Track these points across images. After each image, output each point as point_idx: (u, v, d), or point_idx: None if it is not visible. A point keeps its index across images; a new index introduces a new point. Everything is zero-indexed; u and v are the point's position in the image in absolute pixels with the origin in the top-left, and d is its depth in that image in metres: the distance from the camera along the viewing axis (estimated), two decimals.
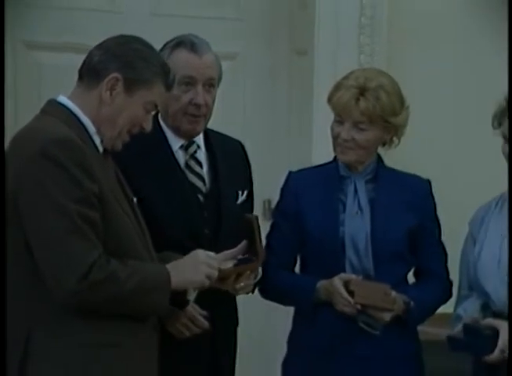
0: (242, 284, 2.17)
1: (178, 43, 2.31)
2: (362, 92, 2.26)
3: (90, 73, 1.97)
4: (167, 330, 2.16)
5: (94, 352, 1.89)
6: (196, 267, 2.01)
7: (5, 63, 2.81)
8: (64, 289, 1.83)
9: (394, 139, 2.38)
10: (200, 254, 2.03)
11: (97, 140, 1.98)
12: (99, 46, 1.99)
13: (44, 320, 1.89)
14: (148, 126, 2.03)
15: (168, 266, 1.98)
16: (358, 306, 2.20)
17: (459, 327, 2.23)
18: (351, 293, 2.20)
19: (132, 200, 2.06)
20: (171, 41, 2.32)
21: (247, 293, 2.29)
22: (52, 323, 1.88)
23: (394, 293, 2.21)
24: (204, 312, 2.20)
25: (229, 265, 2.09)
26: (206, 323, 2.21)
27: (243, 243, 2.14)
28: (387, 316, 2.22)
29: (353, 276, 2.24)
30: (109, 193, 1.92)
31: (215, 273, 2.02)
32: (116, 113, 1.97)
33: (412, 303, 2.26)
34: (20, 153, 1.88)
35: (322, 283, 2.27)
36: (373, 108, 2.27)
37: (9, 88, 2.87)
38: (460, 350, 2.26)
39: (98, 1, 2.90)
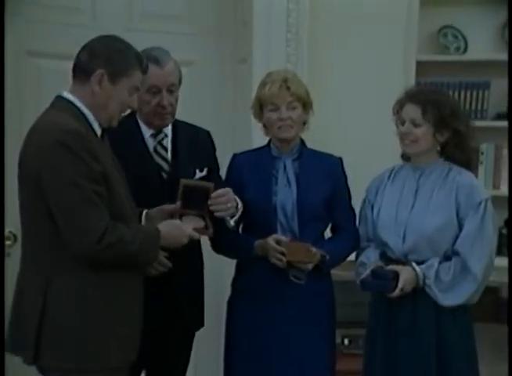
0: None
1: (145, 58, 2.28)
2: (285, 81, 2.36)
3: (80, 71, 2.01)
4: None
5: (100, 290, 1.95)
6: (179, 230, 2.09)
7: (9, 68, 2.83)
8: (85, 248, 1.89)
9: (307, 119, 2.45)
10: (175, 221, 2.11)
11: (95, 126, 2.03)
12: (84, 47, 2.02)
13: (60, 269, 1.94)
14: (134, 105, 2.07)
15: (160, 228, 2.04)
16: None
17: (367, 272, 2.31)
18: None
19: (122, 176, 2.09)
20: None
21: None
22: (67, 271, 1.94)
23: (314, 249, 2.31)
24: (166, 253, 2.21)
25: (191, 226, 2.12)
26: (169, 263, 2.25)
27: (178, 203, 2.16)
28: (309, 266, 2.33)
29: (283, 238, 2.32)
30: (109, 172, 1.97)
31: (191, 234, 2.10)
32: (106, 100, 2.00)
33: (327, 256, 2.34)
34: (37, 142, 1.92)
35: (258, 242, 2.36)
36: (299, 90, 2.38)
37: (13, 92, 2.88)
38: (369, 290, 2.37)
39: (84, 19, 2.97)
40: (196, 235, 2.13)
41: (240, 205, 2.35)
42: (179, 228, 2.09)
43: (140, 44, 2.32)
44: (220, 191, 2.24)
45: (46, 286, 1.93)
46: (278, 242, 2.31)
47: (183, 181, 2.15)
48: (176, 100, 2.41)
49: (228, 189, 2.28)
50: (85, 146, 1.90)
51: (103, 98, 2.01)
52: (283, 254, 2.29)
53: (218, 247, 2.50)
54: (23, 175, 1.97)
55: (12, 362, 2.13)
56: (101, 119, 2.04)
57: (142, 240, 1.97)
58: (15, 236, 2.87)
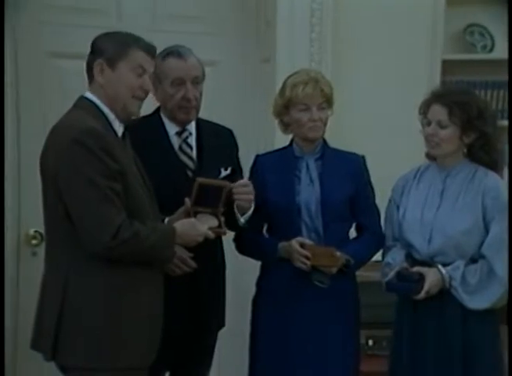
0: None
1: (167, 53, 2.39)
2: (317, 81, 2.38)
3: (88, 70, 2.05)
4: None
5: (117, 289, 1.96)
6: (195, 229, 2.09)
7: (32, 70, 2.92)
8: (100, 245, 1.90)
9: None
10: (190, 220, 2.11)
11: (115, 125, 2.04)
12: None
13: (78, 267, 1.96)
14: (148, 86, 2.06)
15: (176, 226, 2.05)
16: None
17: (393, 274, 2.30)
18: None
19: (144, 176, 2.11)
20: (161, 52, 2.38)
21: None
22: (84, 269, 1.95)
23: (338, 253, 2.30)
24: (191, 254, 2.24)
25: (206, 225, 2.13)
26: (194, 264, 2.27)
27: (186, 200, 2.15)
28: (334, 270, 2.32)
29: (307, 241, 2.32)
30: (127, 170, 1.98)
31: (206, 233, 2.10)
32: (114, 88, 2.01)
33: (352, 261, 2.34)
34: (57, 141, 1.95)
35: (282, 244, 2.36)
36: (330, 91, 2.41)
37: (36, 93, 2.95)
38: (395, 292, 2.35)
39: (108, 20, 2.98)
40: (211, 234, 2.13)
41: (253, 205, 2.35)
42: (194, 227, 2.09)
43: (164, 45, 2.40)
44: (243, 181, 2.27)
45: (64, 284, 1.95)
46: (302, 245, 2.31)
47: (199, 179, 2.15)
48: (200, 95, 2.42)
49: (249, 182, 2.30)
50: (102, 144, 1.91)
51: (110, 87, 2.01)
52: (307, 258, 2.29)
53: (242, 248, 2.51)
54: (44, 175, 1.99)
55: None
56: (118, 112, 2.04)
57: (157, 237, 1.98)
58: (41, 236, 2.91)
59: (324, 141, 2.48)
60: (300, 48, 3.04)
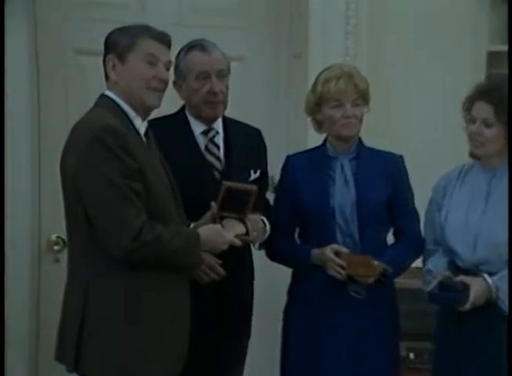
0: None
1: (190, 47, 2.42)
2: (351, 76, 2.38)
3: (103, 67, 2.09)
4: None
5: (138, 293, 1.96)
6: (220, 235, 2.10)
7: (54, 67, 2.99)
8: (120, 247, 1.90)
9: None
10: (216, 226, 2.12)
11: (137, 123, 2.06)
12: None
13: (98, 271, 1.97)
14: (163, 75, 2.06)
15: (200, 232, 2.06)
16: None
17: (435, 284, 2.27)
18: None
19: (171, 178, 2.12)
20: (184, 46, 2.43)
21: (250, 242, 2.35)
22: (104, 272, 1.96)
23: (375, 262, 2.29)
24: (220, 261, 2.25)
25: (232, 232, 2.13)
26: (222, 271, 2.28)
27: (212, 204, 2.15)
28: (370, 280, 2.31)
29: (342, 249, 2.32)
30: (148, 169, 1.98)
31: (232, 241, 2.12)
32: (126, 81, 2.03)
33: (390, 270, 2.32)
34: (77, 140, 1.97)
35: (316, 252, 2.36)
36: (365, 86, 2.40)
37: (59, 88, 3.01)
38: (437, 303, 2.33)
39: (131, 15, 2.98)
40: (237, 242, 2.13)
41: (268, 227, 2.37)
42: (220, 233, 2.09)
43: (190, 40, 2.45)
44: (257, 217, 2.27)
45: (85, 289, 1.96)
46: (337, 253, 2.31)
47: (227, 183, 2.15)
48: (227, 89, 2.43)
49: (262, 217, 2.32)
50: (121, 143, 1.92)
51: (124, 81, 2.03)
52: (342, 267, 2.29)
53: (272, 255, 2.52)
54: (64, 176, 2.01)
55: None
56: (137, 107, 2.05)
57: (181, 242, 1.98)
58: (64, 242, 2.97)
59: (359, 140, 2.47)
60: (334, 42, 3.02)
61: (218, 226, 2.11)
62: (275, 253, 2.50)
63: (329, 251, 2.31)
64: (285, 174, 2.51)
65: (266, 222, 2.39)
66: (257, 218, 2.31)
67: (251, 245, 2.44)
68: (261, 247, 2.47)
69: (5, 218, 2.65)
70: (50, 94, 3.01)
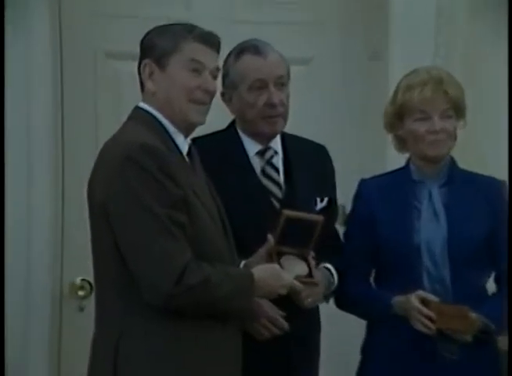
0: (309, 300, 2.26)
1: (241, 50, 2.41)
2: (441, 82, 2.35)
3: (139, 76, 2.10)
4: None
5: (176, 346, 1.95)
6: (278, 277, 2.08)
7: (86, 70, 3.04)
8: (159, 292, 1.90)
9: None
10: (273, 266, 2.11)
11: (179, 140, 2.06)
12: None
13: (133, 318, 1.95)
14: (210, 85, 2.07)
15: (254, 273, 2.04)
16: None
17: None
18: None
19: (220, 208, 2.12)
20: (234, 48, 2.43)
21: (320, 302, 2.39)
22: (140, 323, 1.95)
23: (473, 315, 2.26)
24: (283, 313, 2.25)
25: (293, 273, 2.15)
26: (286, 324, 2.26)
27: (269, 237, 2.17)
28: (467, 338, 2.27)
29: (432, 297, 2.28)
30: (193, 197, 1.99)
31: (292, 284, 2.11)
32: (166, 92, 2.04)
33: (492, 327, 2.28)
34: (108, 160, 1.98)
35: (398, 299, 2.33)
36: (458, 94, 2.38)
37: (89, 94, 3.04)
38: None
39: (175, 11, 3.01)
40: (298, 285, 2.12)
41: (336, 279, 2.38)
42: (278, 275, 2.08)
43: (244, 38, 2.45)
44: (315, 280, 2.25)
45: (116, 343, 1.95)
46: (424, 302, 2.27)
47: (286, 212, 2.16)
48: (287, 99, 2.42)
49: (320, 280, 2.30)
50: (161, 164, 1.92)
51: (163, 92, 2.04)
52: (431, 319, 2.24)
53: (342, 302, 2.50)
54: (92, 204, 2.01)
55: None
56: (177, 122, 2.05)
57: (230, 285, 1.97)
58: (90, 285, 2.98)
59: (452, 160, 2.44)
60: (421, 39, 3.00)
61: (276, 266, 2.12)
62: (345, 300, 2.48)
63: (414, 298, 2.26)
64: (358, 202, 2.50)
65: (333, 270, 2.39)
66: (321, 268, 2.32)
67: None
68: (326, 299, 2.43)
69: (20, 257, 2.68)
70: (75, 105, 3.05)
